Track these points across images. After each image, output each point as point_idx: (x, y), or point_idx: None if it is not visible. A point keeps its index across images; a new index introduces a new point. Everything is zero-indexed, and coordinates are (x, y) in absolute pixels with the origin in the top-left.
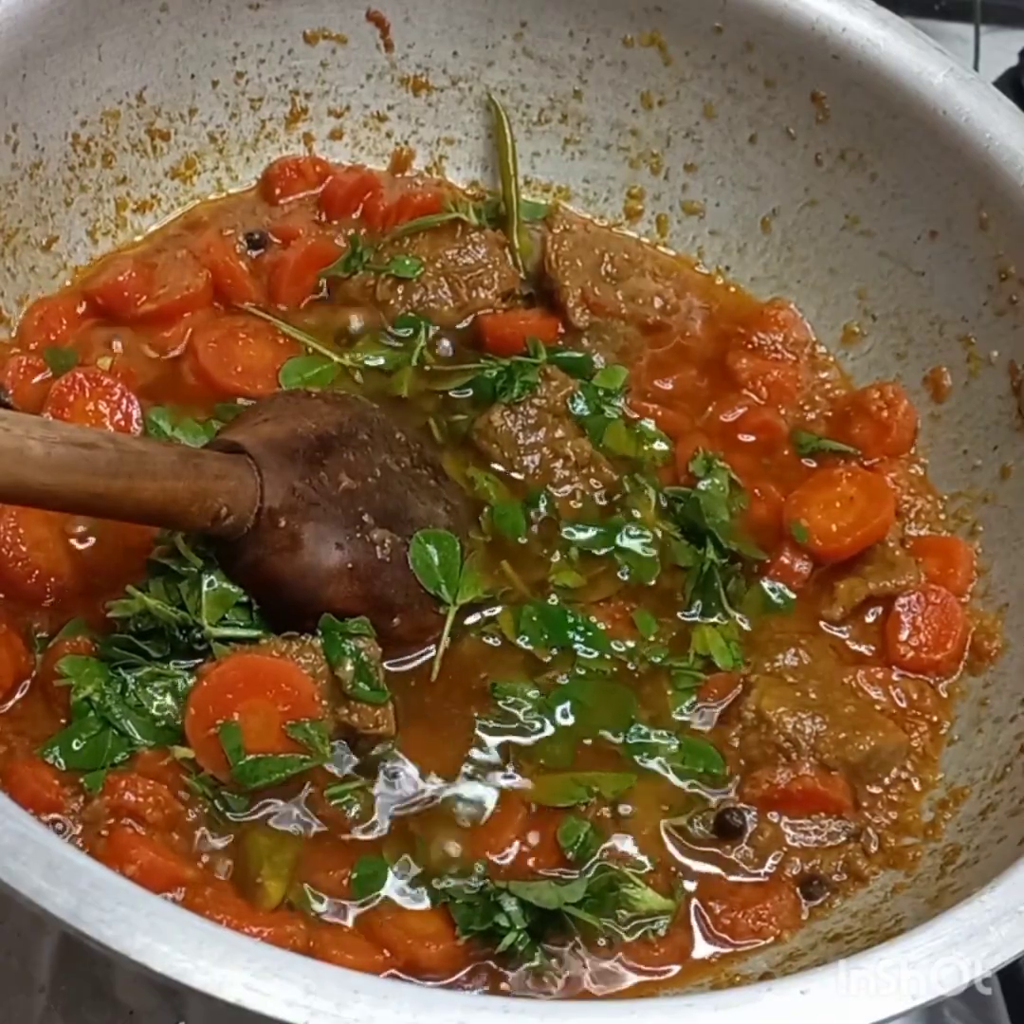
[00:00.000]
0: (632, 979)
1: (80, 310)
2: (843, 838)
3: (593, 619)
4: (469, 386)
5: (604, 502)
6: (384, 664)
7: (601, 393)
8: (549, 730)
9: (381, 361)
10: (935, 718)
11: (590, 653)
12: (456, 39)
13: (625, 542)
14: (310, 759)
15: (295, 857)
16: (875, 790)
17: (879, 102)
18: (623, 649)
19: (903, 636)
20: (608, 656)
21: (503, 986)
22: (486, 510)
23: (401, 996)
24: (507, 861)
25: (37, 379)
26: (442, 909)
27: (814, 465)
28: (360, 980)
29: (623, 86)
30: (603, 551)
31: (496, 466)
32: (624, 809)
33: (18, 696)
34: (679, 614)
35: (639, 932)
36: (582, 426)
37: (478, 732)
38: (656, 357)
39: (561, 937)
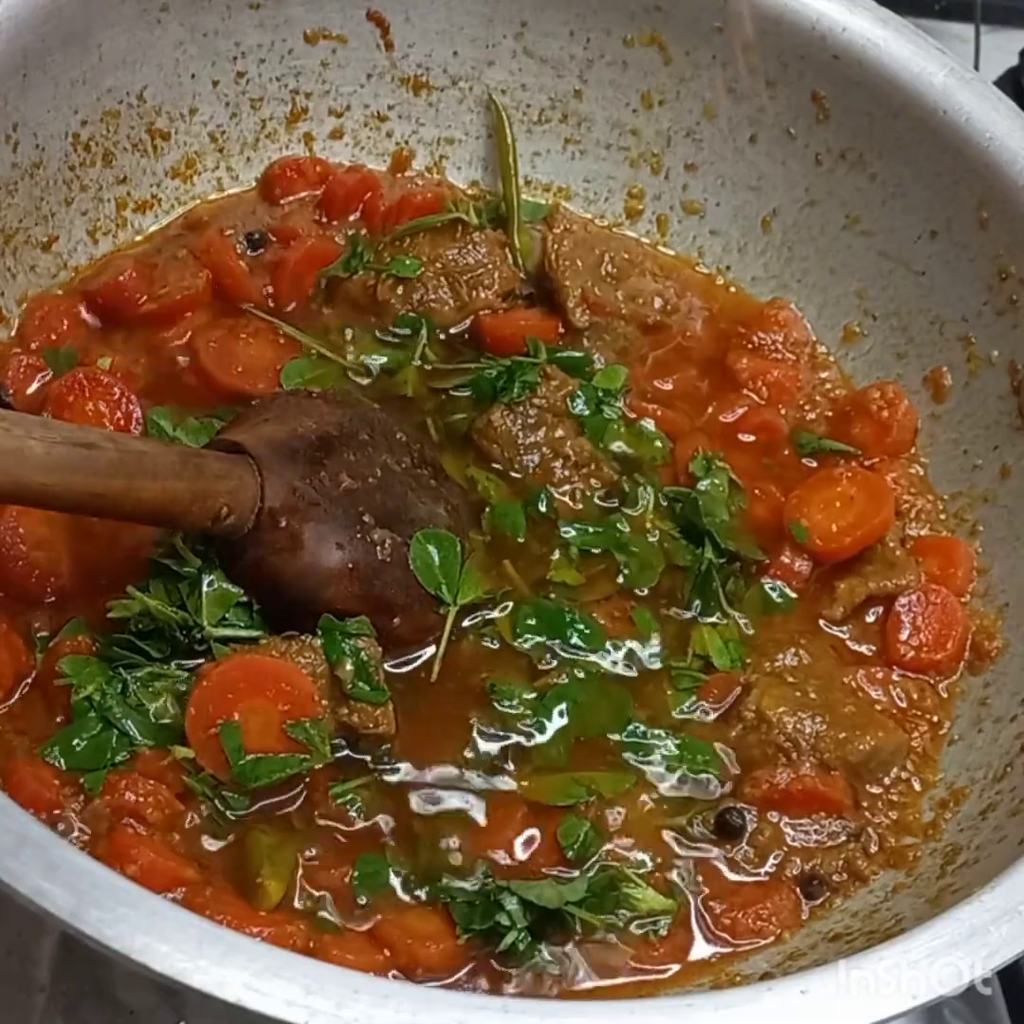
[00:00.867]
0: (632, 979)
1: (80, 310)
2: (843, 838)
3: (594, 616)
4: (469, 386)
5: (604, 502)
6: (384, 664)
7: (601, 393)
8: (548, 730)
9: (383, 361)
10: (935, 718)
11: (587, 656)
12: (456, 39)
13: (625, 541)
14: (310, 759)
15: (295, 857)
16: (875, 790)
17: (879, 102)
18: (622, 650)
19: (903, 636)
20: (606, 658)
21: (503, 986)
22: (486, 509)
23: (401, 996)
24: (507, 861)
25: (37, 379)
26: (442, 908)
27: (814, 465)
28: (360, 980)
29: (623, 86)
30: (602, 550)
31: (496, 465)
32: (624, 808)
33: (18, 696)
34: (673, 610)
35: (640, 932)
36: (582, 426)
37: (477, 732)
38: (656, 357)
39: (562, 936)
